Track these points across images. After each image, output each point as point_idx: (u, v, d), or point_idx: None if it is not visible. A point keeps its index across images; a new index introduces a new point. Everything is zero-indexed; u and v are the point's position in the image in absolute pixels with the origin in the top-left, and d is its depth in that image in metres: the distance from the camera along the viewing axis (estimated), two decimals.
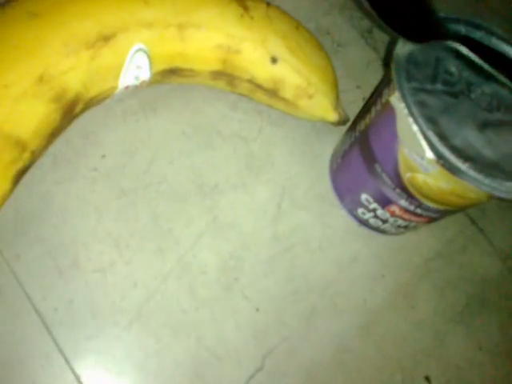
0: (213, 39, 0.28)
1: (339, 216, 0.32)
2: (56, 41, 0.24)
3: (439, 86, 0.24)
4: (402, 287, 0.31)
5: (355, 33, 0.41)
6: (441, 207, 0.26)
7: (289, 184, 0.32)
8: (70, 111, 0.25)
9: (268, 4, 0.31)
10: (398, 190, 0.26)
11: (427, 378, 0.30)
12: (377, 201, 0.28)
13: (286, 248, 0.30)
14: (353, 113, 0.34)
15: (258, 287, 0.28)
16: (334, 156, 0.33)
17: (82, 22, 0.25)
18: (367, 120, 0.28)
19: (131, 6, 0.26)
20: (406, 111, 0.22)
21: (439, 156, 0.22)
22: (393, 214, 0.28)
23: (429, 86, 0.24)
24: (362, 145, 0.28)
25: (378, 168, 0.27)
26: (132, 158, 0.29)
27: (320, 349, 0.28)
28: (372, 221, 0.30)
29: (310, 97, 0.31)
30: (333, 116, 0.32)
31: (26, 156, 0.24)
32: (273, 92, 0.31)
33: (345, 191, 0.31)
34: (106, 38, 0.25)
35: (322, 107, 0.32)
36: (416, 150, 0.23)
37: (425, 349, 0.30)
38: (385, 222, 0.30)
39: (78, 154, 0.29)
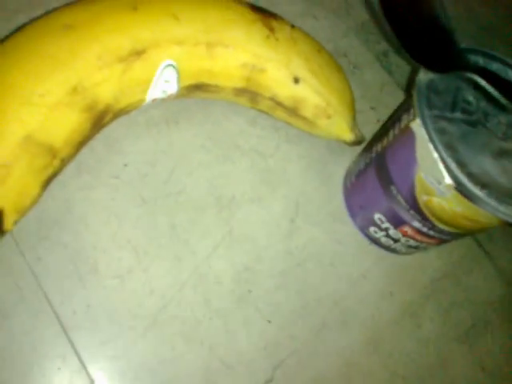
0: (239, 58, 0.29)
1: (351, 234, 0.33)
2: (90, 53, 0.25)
3: (458, 115, 0.25)
4: (409, 306, 0.32)
5: (371, 55, 0.42)
6: (453, 230, 0.27)
7: (303, 200, 0.33)
8: (100, 121, 0.26)
9: (292, 26, 0.32)
10: (412, 212, 0.27)
11: None
12: (390, 221, 0.29)
13: (298, 262, 0.31)
14: (367, 133, 0.35)
15: (270, 300, 0.29)
16: (348, 175, 0.34)
17: (115, 37, 0.25)
18: (384, 142, 0.28)
19: (163, 23, 0.27)
20: (426, 137, 0.23)
21: (457, 182, 0.23)
22: (405, 235, 0.29)
23: (448, 114, 0.25)
24: (378, 166, 0.29)
25: (393, 189, 0.27)
26: (153, 168, 0.30)
27: (328, 362, 0.29)
28: (383, 240, 0.31)
29: (329, 117, 0.32)
30: (349, 136, 0.33)
31: (56, 163, 0.25)
32: (293, 110, 0.32)
33: (358, 209, 0.32)
34: (137, 53, 0.26)
35: (340, 127, 0.33)
36: (434, 175, 0.24)
37: (429, 367, 0.31)
38: (396, 241, 0.30)
39: (101, 161, 0.30)
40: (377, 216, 0.30)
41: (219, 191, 0.31)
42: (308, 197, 0.33)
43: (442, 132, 0.24)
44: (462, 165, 0.23)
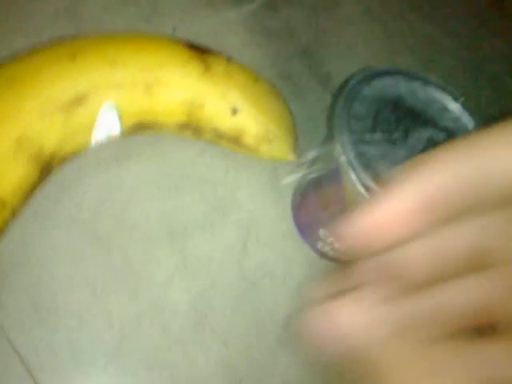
0: (177, 95, 0.31)
1: (301, 250, 0.34)
2: (32, 104, 0.26)
3: (378, 136, 0.27)
4: None
5: (314, 78, 0.44)
6: None
7: (254, 224, 0.34)
8: (47, 167, 0.27)
9: (229, 59, 0.34)
10: None
11: None
12: (332, 234, 0.31)
13: (252, 284, 0.32)
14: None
15: (226, 323, 0.30)
16: (294, 195, 0.35)
17: (56, 86, 0.27)
18: (319, 164, 0.30)
19: (101, 69, 0.29)
20: (345, 161, 0.25)
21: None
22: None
23: (368, 137, 0.27)
24: (316, 185, 0.31)
25: (331, 206, 0.29)
26: (106, 206, 0.32)
27: (285, 380, 0.30)
28: (331, 253, 0.33)
29: (270, 142, 0.34)
30: (292, 157, 0.35)
31: (7, 212, 0.26)
32: (235, 139, 0.34)
33: (305, 227, 0.34)
34: (78, 100, 0.27)
35: (282, 150, 0.35)
36: (358, 192, 0.25)
37: None
38: (342, 253, 0.32)
39: (55, 204, 0.31)
40: (321, 232, 0.32)
41: (171, 222, 0.32)
42: (259, 219, 0.35)
43: (361, 155, 0.26)
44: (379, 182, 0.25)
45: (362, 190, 0.25)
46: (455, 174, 0.15)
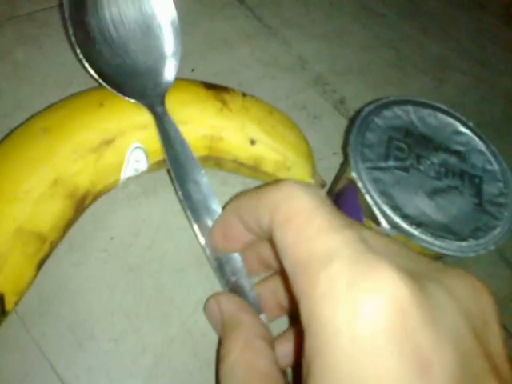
0: (198, 131, 0.33)
1: None
2: (65, 149, 0.29)
3: (391, 163, 0.29)
4: None
5: (328, 105, 0.46)
6: None
7: None
8: (82, 204, 0.30)
9: (244, 95, 0.36)
10: None
11: None
12: None
13: None
14: (331, 177, 0.39)
15: None
16: None
17: (86, 132, 0.30)
18: (336, 189, 0.32)
19: (127, 113, 0.31)
20: (362, 188, 0.27)
21: (393, 225, 0.26)
22: None
23: (382, 164, 0.28)
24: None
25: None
26: (136, 238, 0.34)
27: None
28: None
29: (288, 169, 0.36)
30: (310, 182, 0.37)
31: (47, 246, 0.28)
32: (255, 168, 0.36)
33: None
34: (107, 142, 0.30)
35: (300, 176, 0.37)
36: (375, 220, 0.27)
37: None
38: None
39: (89, 238, 0.33)
40: None
41: (198, 250, 0.34)
42: None
43: (376, 181, 0.27)
44: (396, 208, 0.27)
45: (379, 215, 0.26)
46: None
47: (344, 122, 0.46)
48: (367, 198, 0.26)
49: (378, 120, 0.31)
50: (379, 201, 0.26)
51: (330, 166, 0.41)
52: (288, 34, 0.51)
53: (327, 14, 0.54)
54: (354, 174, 0.27)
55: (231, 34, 0.48)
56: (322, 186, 0.38)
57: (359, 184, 0.27)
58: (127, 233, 0.34)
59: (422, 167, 0.29)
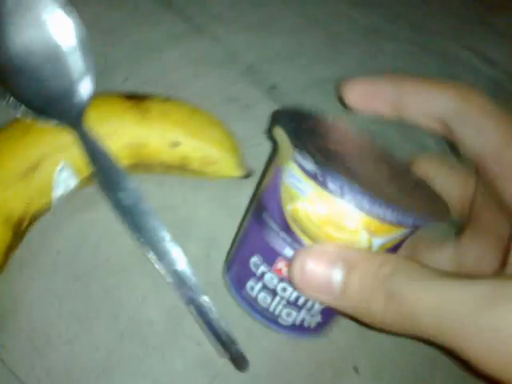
0: (122, 142, 0.36)
1: None
2: None
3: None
4: None
5: (260, 92, 0.49)
6: None
7: (215, 236, 0.39)
8: (19, 228, 0.33)
9: (165, 100, 0.39)
10: (282, 234, 0.27)
11: None
12: (264, 258, 0.28)
13: (218, 287, 0.37)
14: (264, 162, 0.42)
15: (197, 327, 0.35)
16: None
17: (12, 162, 0.33)
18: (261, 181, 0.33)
19: (50, 137, 0.34)
20: (285, 136, 0.26)
21: (318, 164, 0.24)
22: (279, 274, 0.28)
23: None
24: (253, 200, 0.32)
25: (265, 216, 0.28)
26: (81, 248, 0.37)
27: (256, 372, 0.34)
28: (261, 296, 0.29)
29: (214, 163, 0.39)
30: (238, 173, 0.40)
31: None
32: (182, 168, 0.38)
33: (236, 267, 0.31)
34: (32, 169, 0.33)
35: (227, 168, 0.39)
36: (293, 158, 0.26)
37: None
38: (274, 295, 0.28)
39: (37, 255, 0.36)
40: (253, 260, 0.29)
41: (140, 250, 0.37)
42: (219, 233, 0.39)
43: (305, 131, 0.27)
44: (322, 153, 0.25)
45: (306, 156, 0.24)
46: None
47: (276, 107, 0.48)
48: (289, 139, 0.26)
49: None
50: (305, 140, 0.25)
51: (264, 153, 0.44)
52: (216, 29, 0.53)
53: (254, 2, 0.56)
54: (278, 128, 0.27)
55: (160, 39, 0.51)
56: (250, 174, 0.40)
57: (284, 136, 0.26)
58: (72, 244, 0.37)
59: None
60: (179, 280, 0.33)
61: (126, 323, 0.35)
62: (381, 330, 0.24)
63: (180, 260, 0.34)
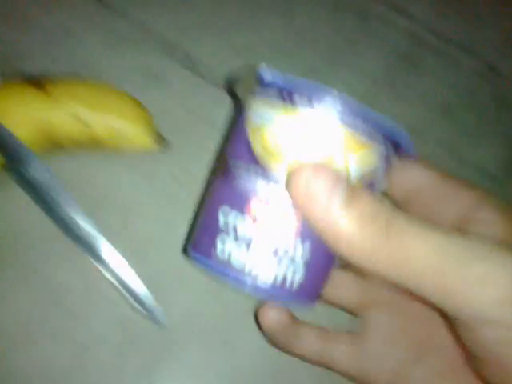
0: (30, 128, 0.37)
1: None
2: None
3: None
4: None
5: (178, 65, 0.50)
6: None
7: (132, 207, 0.41)
8: None
9: (70, 79, 0.40)
10: (253, 167, 0.25)
11: None
12: (234, 205, 0.25)
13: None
14: (190, 134, 0.44)
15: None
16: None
17: None
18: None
19: None
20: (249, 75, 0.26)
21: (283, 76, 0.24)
22: (254, 219, 0.25)
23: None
24: (218, 167, 0.28)
25: (232, 164, 0.26)
26: None
27: None
28: (234, 254, 0.25)
29: (126, 136, 0.40)
30: (152, 145, 0.41)
31: None
32: (96, 143, 0.40)
33: (201, 234, 0.27)
34: None
35: (140, 141, 0.41)
36: (258, 93, 0.25)
37: None
38: (249, 244, 0.25)
39: None
40: (221, 212, 0.26)
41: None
42: (137, 202, 0.41)
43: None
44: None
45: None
46: None
47: (195, 79, 0.49)
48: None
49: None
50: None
51: (186, 125, 0.45)
52: (135, 11, 0.53)
53: None
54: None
55: (79, 26, 0.51)
56: (165, 144, 0.42)
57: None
58: None
59: None
60: (87, 245, 0.36)
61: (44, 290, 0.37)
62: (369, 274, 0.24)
63: (87, 227, 0.36)
